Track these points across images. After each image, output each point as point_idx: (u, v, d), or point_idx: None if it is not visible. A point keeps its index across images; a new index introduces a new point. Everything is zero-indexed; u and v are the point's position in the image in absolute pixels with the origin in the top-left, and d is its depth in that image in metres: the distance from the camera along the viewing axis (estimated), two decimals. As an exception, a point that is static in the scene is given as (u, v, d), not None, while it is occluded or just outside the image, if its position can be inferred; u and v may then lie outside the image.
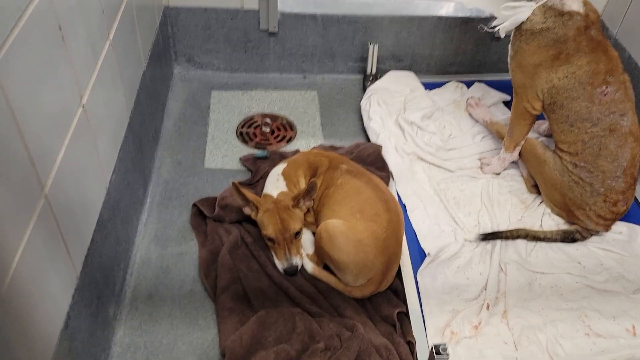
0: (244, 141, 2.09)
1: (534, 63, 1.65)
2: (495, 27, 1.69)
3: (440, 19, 2.28)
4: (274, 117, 2.20)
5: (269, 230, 1.58)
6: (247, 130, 2.13)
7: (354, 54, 2.36)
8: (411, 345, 1.44)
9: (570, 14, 1.58)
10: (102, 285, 1.34)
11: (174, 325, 1.49)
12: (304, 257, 1.62)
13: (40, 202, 1.01)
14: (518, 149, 1.86)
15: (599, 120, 1.62)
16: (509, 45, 1.72)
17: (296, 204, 1.61)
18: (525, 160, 1.88)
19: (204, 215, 1.75)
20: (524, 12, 1.60)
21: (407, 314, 1.52)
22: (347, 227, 1.52)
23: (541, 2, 1.59)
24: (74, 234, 1.16)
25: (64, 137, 1.13)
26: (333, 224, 1.53)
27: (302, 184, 1.70)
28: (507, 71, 2.37)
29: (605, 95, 1.60)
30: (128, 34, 1.63)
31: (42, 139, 1.02)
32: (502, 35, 1.70)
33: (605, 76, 1.60)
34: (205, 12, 2.19)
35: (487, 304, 1.55)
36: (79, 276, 1.19)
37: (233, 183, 1.59)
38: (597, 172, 1.65)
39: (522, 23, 1.64)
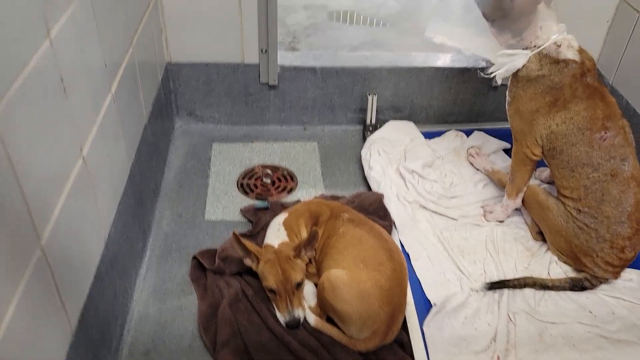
0: (245, 192, 2.08)
1: (531, 109, 1.67)
2: (491, 73, 1.71)
3: (438, 69, 2.31)
4: (274, 168, 2.20)
5: (270, 281, 1.55)
6: (248, 182, 2.13)
7: (353, 105, 2.38)
8: (419, 400, 1.38)
9: (566, 62, 1.61)
10: (98, 341, 1.30)
11: (172, 383, 1.43)
12: (307, 309, 1.58)
13: (36, 253, 0.99)
14: (521, 195, 1.84)
15: (600, 165, 1.61)
16: (507, 92, 1.74)
17: (297, 254, 1.58)
18: (529, 207, 1.86)
19: (204, 267, 1.72)
20: (520, 60, 1.63)
21: (414, 368, 1.47)
22: (350, 277, 1.48)
23: (536, 50, 1.62)
24: (70, 287, 1.13)
25: (63, 188, 1.12)
26: (335, 274, 1.50)
27: (304, 234, 1.68)
28: (506, 120, 2.40)
29: (605, 140, 1.60)
30: (130, 88, 1.65)
31: (40, 190, 1.01)
32: (499, 81, 1.72)
33: (603, 122, 1.60)
34: (206, 67, 2.24)
35: (497, 355, 1.49)
36: (74, 332, 1.15)
37: (234, 233, 1.57)
38: (602, 217, 1.63)
39: (519, 70, 1.66)
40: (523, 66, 1.64)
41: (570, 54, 1.61)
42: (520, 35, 1.63)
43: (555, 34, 1.60)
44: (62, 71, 1.12)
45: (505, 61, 1.65)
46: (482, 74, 1.84)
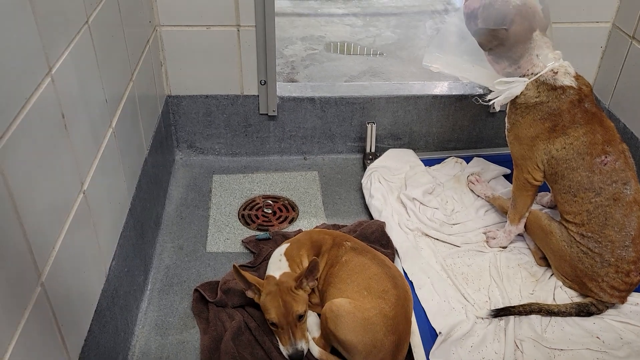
0: (246, 223, 2.07)
1: (531, 135, 1.67)
2: (489, 101, 1.72)
3: (435, 97, 2.33)
4: (275, 199, 2.20)
5: (272, 314, 1.53)
6: (249, 213, 2.13)
7: (353, 134, 2.40)
8: None
9: (563, 89, 1.62)
10: (99, 378, 1.28)
11: (174, 420, 1.40)
12: (310, 340, 1.56)
13: (36, 290, 0.98)
14: (523, 220, 1.84)
15: (602, 190, 1.61)
16: (505, 119, 1.75)
17: (299, 285, 1.57)
18: (531, 232, 1.85)
19: (206, 300, 1.70)
20: (518, 87, 1.64)
21: (421, 399, 1.44)
22: (353, 305, 1.47)
23: (534, 78, 1.63)
24: (70, 323, 1.11)
25: (64, 223, 1.11)
26: (339, 303, 1.48)
27: (306, 264, 1.67)
28: (505, 145, 2.41)
29: (606, 164, 1.60)
30: (130, 122, 1.66)
31: (41, 225, 1.00)
32: (497, 109, 1.73)
33: (603, 146, 1.61)
34: (206, 99, 2.25)
35: (505, 385, 1.47)
36: (74, 369, 1.13)
37: (234, 266, 1.56)
38: (605, 242, 1.62)
39: (517, 97, 1.67)
40: (521, 93, 1.65)
41: (567, 81, 1.62)
42: (517, 64, 1.65)
43: (551, 61, 1.62)
44: (63, 107, 1.12)
45: (503, 89, 1.66)
46: (480, 101, 1.86)
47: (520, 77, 1.65)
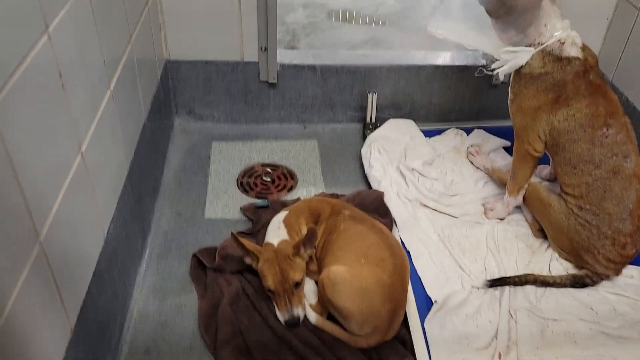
0: (245, 191, 2.07)
1: (533, 106, 1.66)
2: (494, 70, 1.70)
3: (438, 67, 2.31)
4: (274, 167, 2.19)
5: (269, 281, 1.54)
6: (248, 180, 2.12)
7: (353, 104, 2.38)
8: (421, 398, 1.38)
9: (569, 60, 1.60)
10: (97, 339, 1.29)
11: (172, 381, 1.42)
12: (307, 307, 1.57)
13: (35, 249, 0.98)
14: (522, 192, 1.84)
15: (602, 163, 1.60)
16: (509, 89, 1.73)
17: (297, 253, 1.57)
18: (530, 204, 1.85)
19: (204, 266, 1.71)
20: (523, 57, 1.62)
21: (415, 365, 1.46)
22: (350, 274, 1.47)
23: (540, 48, 1.61)
24: (69, 284, 1.12)
25: (62, 184, 1.11)
26: (336, 270, 1.49)
27: (304, 232, 1.67)
28: (506, 117, 2.39)
29: (607, 137, 1.59)
30: (129, 85, 1.64)
31: (39, 185, 1.00)
32: (501, 78, 1.71)
33: (605, 119, 1.60)
34: (205, 65, 2.23)
35: (499, 352, 1.49)
36: (73, 329, 1.14)
37: (232, 233, 1.56)
38: (603, 214, 1.62)
39: (521, 67, 1.65)
40: (526, 63, 1.63)
41: (574, 52, 1.60)
42: (524, 32, 1.62)
43: (559, 30, 1.59)
44: (61, 66, 1.11)
45: (508, 58, 1.63)
46: (484, 71, 1.84)
47: (526, 46, 1.63)
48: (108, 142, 1.42)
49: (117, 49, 1.53)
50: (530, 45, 1.63)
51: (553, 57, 1.60)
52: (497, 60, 1.69)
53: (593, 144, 1.60)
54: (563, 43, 1.60)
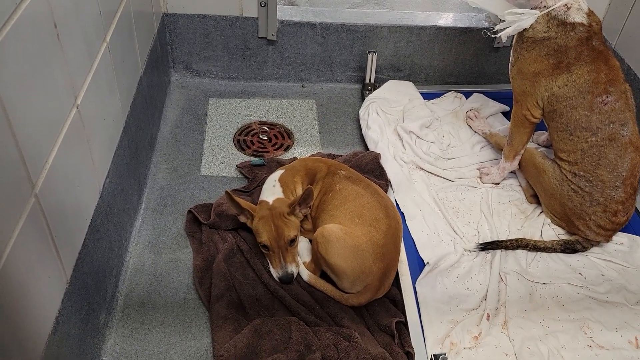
0: (241, 149, 2.07)
1: (534, 71, 1.64)
2: (497, 32, 1.68)
3: (439, 29, 2.27)
4: (271, 125, 2.18)
5: (264, 237, 1.55)
6: (245, 138, 2.11)
7: (353, 63, 2.35)
8: (410, 355, 1.41)
9: (573, 25, 1.57)
10: (93, 291, 1.31)
11: (166, 333, 1.45)
12: (301, 265, 1.59)
13: (30, 200, 0.98)
14: (518, 158, 1.84)
15: (599, 130, 1.60)
16: (511, 52, 1.71)
17: (292, 211, 1.59)
18: (524, 169, 1.86)
19: (200, 222, 1.72)
20: (528, 20, 1.59)
21: (405, 324, 1.49)
22: (344, 232, 1.49)
23: (545, 11, 1.58)
24: (64, 236, 1.13)
25: (57, 136, 1.10)
26: (330, 228, 1.50)
27: (299, 191, 1.68)
28: (506, 82, 2.37)
29: (606, 104, 1.59)
30: (125, 37, 1.61)
31: (33, 137, 0.99)
32: (504, 40, 1.69)
33: (605, 85, 1.59)
34: (203, 19, 2.19)
35: (487, 314, 1.52)
36: (69, 280, 1.16)
37: (226, 192, 1.57)
38: (597, 181, 1.63)
39: (525, 30, 1.62)
40: (530, 26, 1.61)
41: (579, 17, 1.57)
42: None
43: None
44: (56, 16, 1.09)
45: (513, 20, 1.61)
46: (488, 33, 1.81)
47: (531, 9, 1.60)
48: (104, 95, 1.41)
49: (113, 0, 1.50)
50: (535, 8, 1.60)
51: (558, 21, 1.58)
52: (500, 21, 1.66)
53: (591, 111, 1.59)
54: (569, 8, 1.57)
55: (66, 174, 1.14)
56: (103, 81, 1.39)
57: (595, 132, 1.60)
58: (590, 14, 1.59)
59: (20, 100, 0.94)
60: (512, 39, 1.71)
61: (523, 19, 1.59)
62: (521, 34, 1.64)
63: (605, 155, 1.60)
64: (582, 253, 1.70)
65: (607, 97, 1.58)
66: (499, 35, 1.66)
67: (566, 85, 1.61)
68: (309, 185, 1.59)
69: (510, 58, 1.72)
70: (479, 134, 2.11)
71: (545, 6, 1.58)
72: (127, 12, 1.62)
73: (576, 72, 1.59)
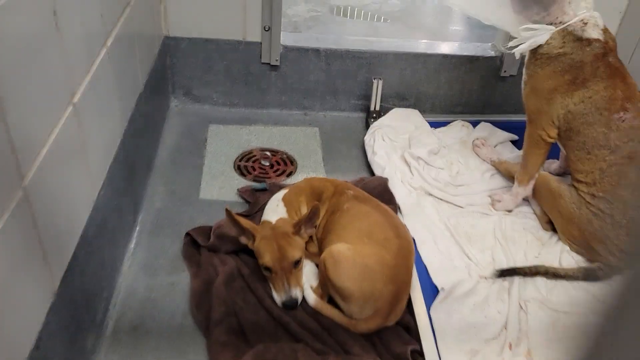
0: (242, 174, 1.98)
1: (549, 88, 1.59)
2: (512, 48, 1.64)
3: (445, 56, 2.25)
4: (273, 152, 2.11)
5: (266, 258, 1.45)
6: (246, 164, 2.04)
7: (357, 91, 2.31)
8: (427, 386, 1.29)
9: (589, 41, 1.54)
10: (82, 309, 1.19)
11: (160, 360, 1.32)
12: (307, 288, 1.48)
13: (17, 193, 0.88)
14: (532, 182, 1.77)
15: (618, 148, 1.54)
16: (523, 69, 1.67)
17: (297, 231, 1.49)
18: (539, 195, 1.78)
19: (198, 245, 1.62)
20: (543, 35, 1.56)
21: (421, 353, 1.37)
22: (353, 251, 1.39)
23: (561, 27, 1.55)
24: (54, 241, 1.02)
25: (51, 131, 1.02)
26: (338, 248, 1.40)
27: (304, 211, 1.59)
28: (513, 112, 2.34)
29: (624, 121, 1.53)
30: (126, 49, 1.56)
31: (26, 125, 0.91)
32: (518, 57, 1.65)
33: (622, 102, 1.54)
34: (205, 43, 2.15)
35: (510, 343, 1.40)
36: (56, 292, 1.04)
37: (227, 210, 1.47)
38: (617, 202, 1.55)
39: (539, 47, 1.58)
40: (545, 42, 1.57)
41: (595, 33, 1.54)
42: (546, 10, 1.55)
43: (583, 10, 1.53)
44: (57, 5, 1.02)
45: (528, 36, 1.57)
46: (503, 49, 1.77)
47: (547, 24, 1.56)
48: (102, 101, 1.33)
49: (115, 7, 1.45)
50: (550, 24, 1.56)
51: (574, 37, 1.54)
52: (510, 40, 1.63)
53: (609, 128, 1.54)
54: (586, 24, 1.54)
55: (58, 171, 1.05)
56: (102, 87, 1.32)
57: (613, 150, 1.54)
58: (605, 30, 1.56)
59: (14, 83, 0.86)
60: (525, 57, 1.67)
61: (538, 35, 1.56)
62: (535, 50, 1.60)
63: (626, 175, 1.53)
64: (605, 281, 1.60)
65: (624, 114, 1.53)
66: (513, 51, 1.62)
67: (582, 101, 1.56)
68: (316, 202, 1.50)
69: (523, 76, 1.68)
70: (488, 162, 2.05)
71: (561, 22, 1.55)
72: (128, 27, 1.57)
73: (592, 88, 1.54)
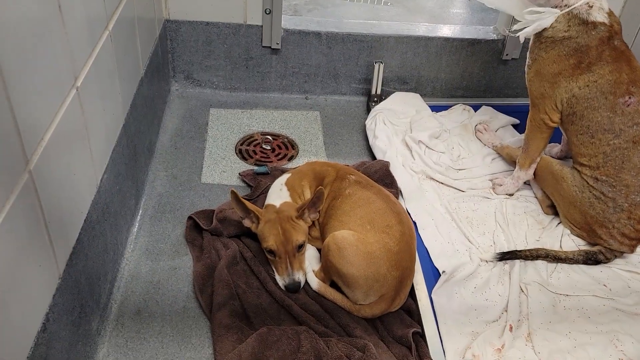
0: (244, 158, 1.98)
1: (553, 72, 1.59)
2: (516, 31, 1.62)
3: (447, 40, 2.23)
4: (275, 136, 2.11)
5: (270, 241, 1.45)
6: (247, 148, 2.03)
7: (358, 75, 2.30)
8: (429, 367, 1.30)
9: (595, 24, 1.53)
10: (86, 293, 1.20)
11: (164, 344, 1.33)
12: (309, 272, 1.49)
13: (23, 177, 0.88)
14: (533, 166, 1.77)
15: (622, 132, 1.54)
16: (527, 53, 1.66)
17: (300, 215, 1.49)
18: (541, 179, 1.78)
19: (200, 228, 1.62)
20: (548, 19, 1.54)
21: (422, 335, 1.38)
22: (357, 238, 1.39)
23: (566, 10, 1.54)
24: (58, 224, 1.02)
25: (55, 115, 1.02)
26: (342, 235, 1.41)
27: (307, 195, 1.59)
28: (515, 96, 2.33)
29: (629, 105, 1.53)
30: (127, 33, 1.55)
31: (30, 108, 0.91)
32: (522, 40, 1.63)
33: (628, 86, 1.53)
34: (206, 27, 2.13)
35: (510, 325, 1.41)
36: (61, 275, 1.05)
37: (232, 192, 1.47)
38: (620, 186, 1.55)
39: (544, 30, 1.57)
40: (550, 26, 1.56)
41: (600, 17, 1.53)
42: None
43: None
44: (58, -14, 1.02)
45: (533, 19, 1.56)
46: (507, 32, 1.75)
47: (552, 7, 1.55)
48: (105, 85, 1.32)
49: (117, -10, 1.44)
50: (555, 7, 1.55)
51: (579, 20, 1.53)
52: (514, 23, 1.61)
53: (614, 112, 1.53)
54: (591, 7, 1.52)
55: (62, 155, 1.05)
56: (104, 70, 1.31)
57: (618, 134, 1.54)
58: (610, 13, 1.55)
59: (17, 66, 0.86)
60: (529, 41, 1.65)
61: (543, 18, 1.54)
62: (539, 34, 1.59)
63: (629, 159, 1.53)
64: (605, 265, 1.61)
65: (629, 98, 1.52)
66: (517, 35, 1.61)
67: (587, 85, 1.55)
68: (320, 187, 1.50)
69: (527, 60, 1.67)
70: (489, 147, 2.04)
71: (566, 5, 1.54)
72: (129, 10, 1.55)
73: (597, 72, 1.54)
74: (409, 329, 1.38)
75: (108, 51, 1.34)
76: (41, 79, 0.95)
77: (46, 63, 0.97)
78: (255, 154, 2.01)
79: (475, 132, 2.12)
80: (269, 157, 2.00)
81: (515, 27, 1.63)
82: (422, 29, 2.26)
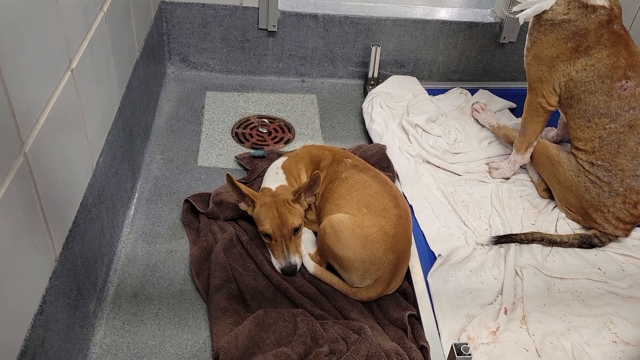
0: (240, 141, 1.98)
1: (551, 55, 1.58)
2: (515, 12, 1.61)
3: (444, 23, 2.22)
4: (271, 119, 2.10)
5: (266, 225, 1.46)
6: (243, 131, 2.02)
7: (355, 58, 2.28)
8: (424, 349, 1.31)
9: (594, 8, 1.52)
10: (83, 275, 1.20)
11: (161, 326, 1.34)
12: (305, 255, 1.49)
13: (19, 160, 0.88)
14: (530, 150, 1.77)
15: (618, 116, 1.54)
16: (527, 36, 1.65)
17: (297, 199, 1.49)
18: (537, 163, 1.79)
19: (197, 211, 1.62)
20: (548, 1, 1.53)
21: (417, 318, 1.39)
22: (353, 222, 1.40)
23: None
24: (54, 207, 1.02)
25: (50, 97, 1.01)
26: (338, 218, 1.41)
27: (304, 178, 1.59)
28: (512, 79, 2.33)
29: (625, 90, 1.53)
30: (122, 15, 1.53)
31: (25, 91, 0.90)
32: (521, 22, 1.62)
33: (625, 70, 1.53)
34: (202, 8, 2.11)
35: (505, 308, 1.42)
36: (57, 258, 1.05)
37: (228, 175, 1.47)
38: (616, 170, 1.56)
39: (543, 13, 1.56)
40: (550, 8, 1.55)
41: (601, 0, 1.52)
42: None
43: None
44: (52, -34, 1.00)
45: (534, 0, 1.55)
46: (507, 13, 1.74)
47: None
48: (100, 67, 1.31)
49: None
50: None
51: (579, 3, 1.52)
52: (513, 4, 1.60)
53: (610, 96, 1.53)
54: None
55: (58, 138, 1.04)
56: (99, 52, 1.30)
57: (614, 119, 1.54)
58: (611, -3, 1.54)
59: (12, 47, 0.85)
60: (528, 24, 1.64)
61: (544, 0, 1.53)
62: (539, 16, 1.58)
63: (625, 143, 1.54)
64: (600, 248, 1.62)
65: (626, 82, 1.52)
66: (517, 16, 1.60)
67: (585, 69, 1.55)
68: (317, 171, 1.50)
69: (526, 43, 1.66)
70: (487, 127, 2.04)
71: None
72: (125, -12, 1.54)
73: (595, 56, 1.53)
74: (404, 311, 1.39)
75: (103, 33, 1.33)
76: (35, 61, 0.94)
77: (40, 45, 0.96)
78: (252, 137, 2.01)
79: (472, 112, 2.11)
80: (266, 141, 2.00)
81: (515, 8, 1.62)
82: (419, 12, 2.25)
